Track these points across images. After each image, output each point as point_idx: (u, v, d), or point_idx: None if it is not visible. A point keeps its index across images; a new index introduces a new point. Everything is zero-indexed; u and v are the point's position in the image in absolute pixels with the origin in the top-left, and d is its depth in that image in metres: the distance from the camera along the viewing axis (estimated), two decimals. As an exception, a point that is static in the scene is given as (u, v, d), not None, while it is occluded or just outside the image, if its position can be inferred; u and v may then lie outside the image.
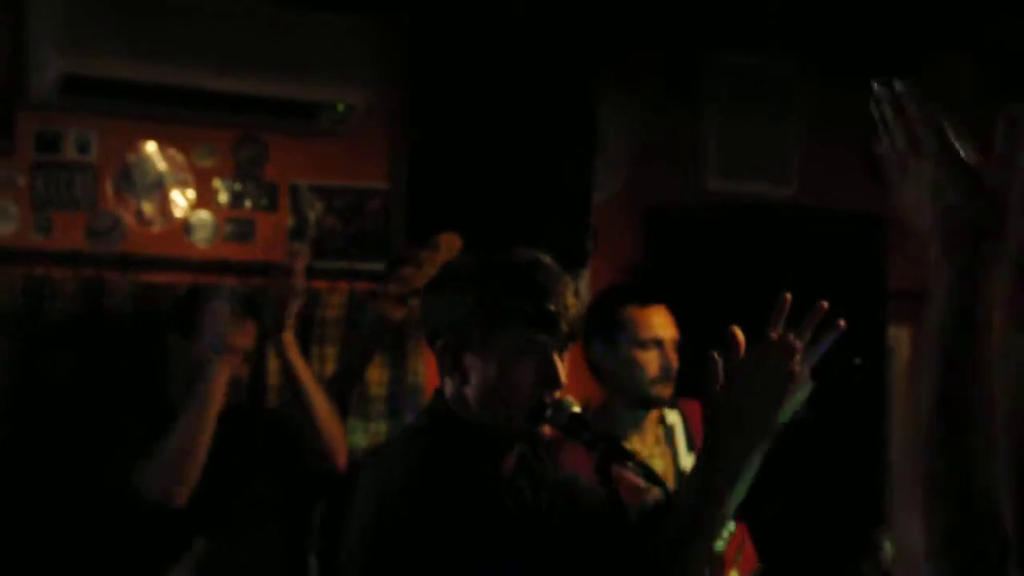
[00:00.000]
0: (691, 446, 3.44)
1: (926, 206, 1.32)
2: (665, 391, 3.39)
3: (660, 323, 3.43)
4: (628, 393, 3.41)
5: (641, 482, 2.37)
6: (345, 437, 3.77)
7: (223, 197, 4.49)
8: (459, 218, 4.52)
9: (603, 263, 5.01)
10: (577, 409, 2.25)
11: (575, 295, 2.27)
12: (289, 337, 3.69)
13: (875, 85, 1.36)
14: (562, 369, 2.25)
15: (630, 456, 2.20)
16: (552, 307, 2.21)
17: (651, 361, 3.38)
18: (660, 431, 3.47)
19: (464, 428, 2.26)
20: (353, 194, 4.67)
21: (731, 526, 3.02)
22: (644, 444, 3.41)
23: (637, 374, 3.39)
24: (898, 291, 5.18)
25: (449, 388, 2.29)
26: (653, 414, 3.45)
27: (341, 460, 3.67)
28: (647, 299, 3.48)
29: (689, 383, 3.48)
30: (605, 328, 3.41)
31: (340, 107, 4.38)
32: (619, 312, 3.43)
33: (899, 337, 5.53)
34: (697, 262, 4.96)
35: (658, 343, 3.42)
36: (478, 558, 2.12)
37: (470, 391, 2.24)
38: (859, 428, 4.89)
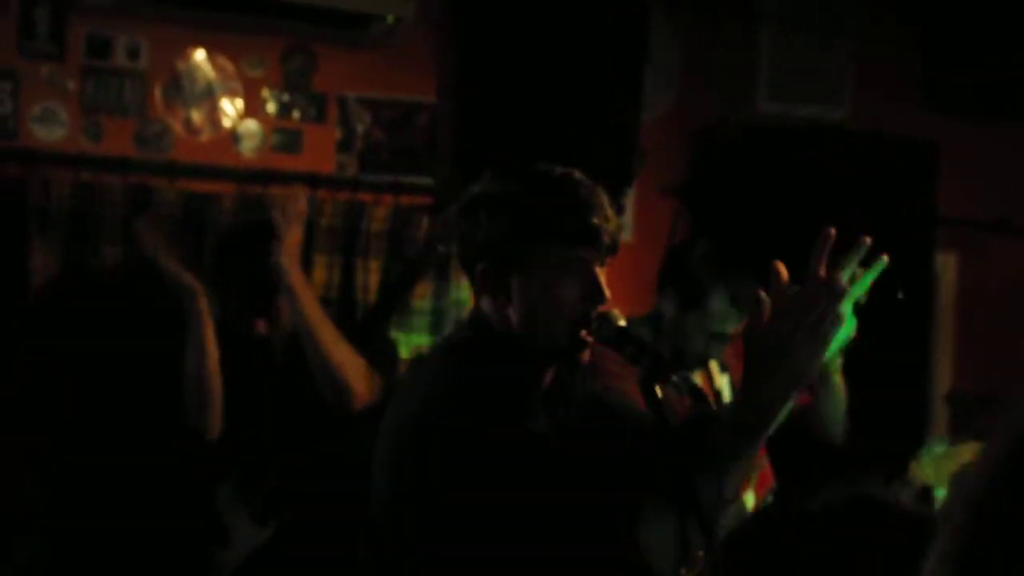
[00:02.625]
0: (723, 369, 3.42)
1: None
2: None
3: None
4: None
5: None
6: (365, 372, 3.63)
7: (271, 107, 4.49)
8: (506, 133, 4.49)
9: (649, 183, 4.98)
10: (623, 322, 2.24)
11: (612, 208, 2.25)
12: (289, 263, 3.59)
13: None
14: (605, 283, 2.23)
15: (675, 370, 2.19)
16: (594, 221, 2.19)
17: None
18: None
19: (505, 344, 2.24)
20: (401, 107, 4.66)
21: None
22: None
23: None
24: (947, 217, 5.13)
25: (489, 308, 2.26)
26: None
27: (358, 395, 3.57)
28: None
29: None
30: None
31: (390, 18, 4.36)
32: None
33: (947, 263, 5.50)
34: (744, 185, 4.92)
35: None
36: (510, 479, 2.11)
37: (513, 312, 2.22)
38: (905, 354, 4.87)
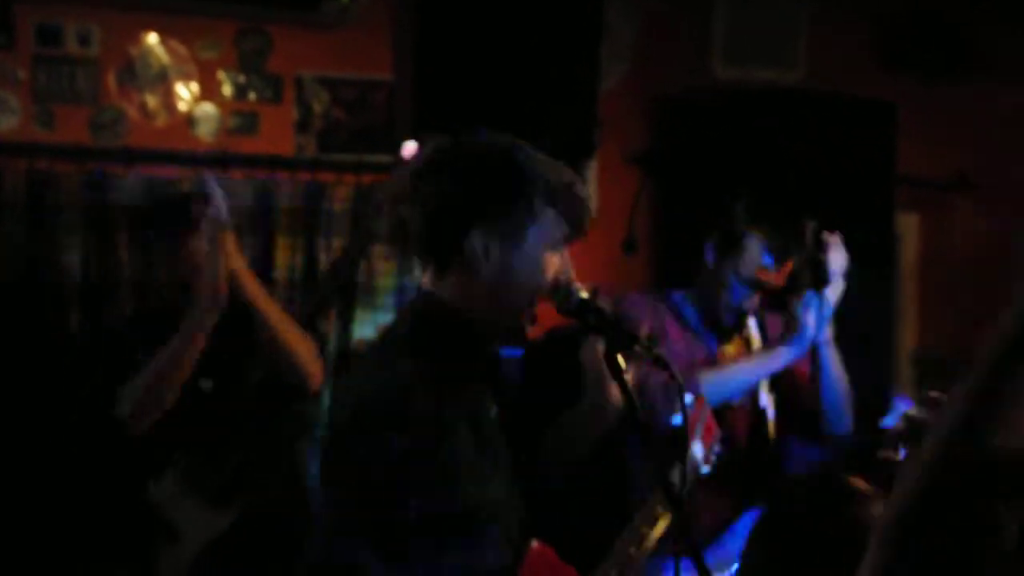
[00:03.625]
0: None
1: None
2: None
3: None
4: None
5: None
6: (315, 353, 3.52)
7: (227, 89, 4.45)
8: (465, 109, 4.47)
9: (610, 154, 4.97)
10: (585, 294, 2.23)
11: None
12: (224, 245, 3.33)
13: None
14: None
15: (638, 340, 2.19)
16: (587, 199, 2.18)
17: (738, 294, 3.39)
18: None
19: (461, 328, 2.15)
20: (359, 86, 4.63)
21: (688, 399, 3.03)
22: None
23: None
24: (907, 177, 5.15)
25: (452, 283, 2.14)
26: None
27: (313, 376, 3.43)
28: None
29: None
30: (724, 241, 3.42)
31: (344, -3, 4.33)
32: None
33: (908, 223, 5.52)
34: (704, 150, 4.92)
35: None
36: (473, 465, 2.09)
37: (483, 285, 2.12)
38: (869, 314, 4.89)
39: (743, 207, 3.42)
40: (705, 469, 2.82)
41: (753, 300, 3.41)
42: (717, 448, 2.88)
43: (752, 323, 3.49)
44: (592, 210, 2.20)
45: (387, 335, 2.25)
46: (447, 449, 2.04)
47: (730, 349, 3.45)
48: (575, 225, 2.16)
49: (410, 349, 2.12)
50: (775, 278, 3.36)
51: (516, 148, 2.15)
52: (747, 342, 3.47)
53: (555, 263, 2.14)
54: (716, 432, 2.87)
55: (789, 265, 3.37)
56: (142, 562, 3.27)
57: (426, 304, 2.18)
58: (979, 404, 1.08)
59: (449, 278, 2.15)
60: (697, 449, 2.79)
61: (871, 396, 4.93)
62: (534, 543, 2.22)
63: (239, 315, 3.37)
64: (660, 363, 2.19)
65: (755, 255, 3.35)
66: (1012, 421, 1.06)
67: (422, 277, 2.20)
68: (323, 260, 4.41)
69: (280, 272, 4.36)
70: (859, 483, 1.67)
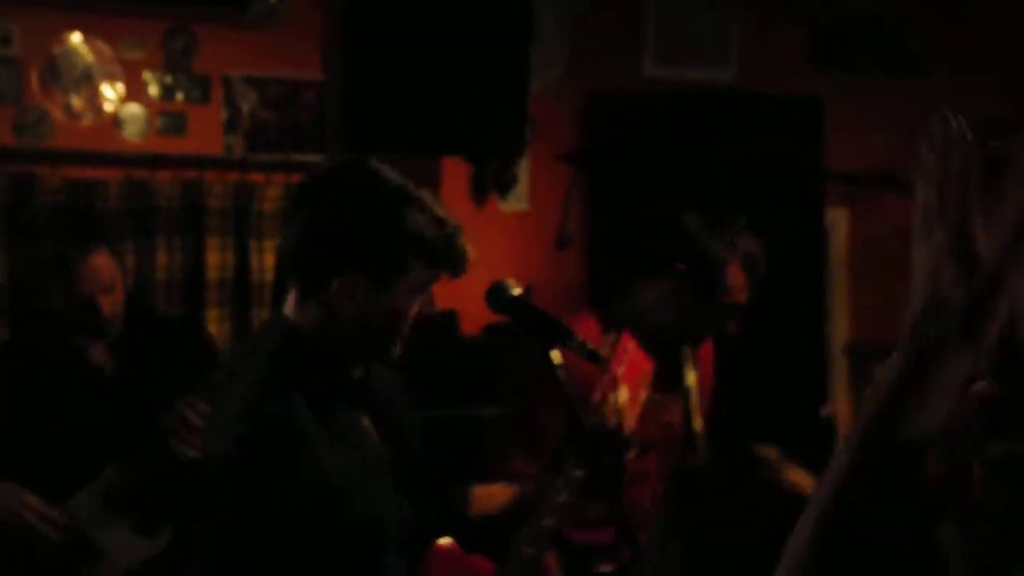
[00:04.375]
0: (694, 364, 3.30)
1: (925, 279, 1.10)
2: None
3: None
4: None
5: None
6: None
7: (154, 90, 4.40)
8: (394, 108, 4.45)
9: (542, 152, 4.98)
10: (518, 291, 2.23)
11: None
12: None
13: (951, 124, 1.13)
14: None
15: (571, 335, 2.19)
16: (464, 245, 2.15)
17: None
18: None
19: (315, 363, 2.12)
20: (287, 85, 4.59)
21: (610, 338, 2.95)
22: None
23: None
24: (836, 173, 5.20)
25: (314, 314, 2.11)
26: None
27: None
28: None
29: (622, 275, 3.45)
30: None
31: (272, -5, 4.29)
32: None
33: (837, 218, 5.57)
34: (636, 148, 4.94)
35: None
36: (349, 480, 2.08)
37: (343, 324, 2.09)
38: (800, 310, 4.94)
39: (705, 228, 3.22)
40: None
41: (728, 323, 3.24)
42: (647, 381, 2.84)
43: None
44: (471, 257, 2.17)
45: (249, 368, 2.18)
46: (331, 477, 2.03)
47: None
48: (451, 274, 2.16)
49: (277, 383, 2.08)
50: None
51: (400, 196, 2.10)
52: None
53: (420, 302, 2.15)
54: (646, 368, 2.81)
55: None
56: None
57: (288, 335, 2.14)
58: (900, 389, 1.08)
59: (311, 308, 2.12)
60: (623, 394, 2.75)
61: (807, 388, 5.00)
62: (439, 540, 2.23)
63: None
64: (593, 359, 2.19)
65: (736, 280, 3.17)
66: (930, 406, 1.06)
67: (288, 301, 2.16)
68: (254, 260, 4.37)
69: (211, 273, 4.31)
70: (769, 450, 1.67)
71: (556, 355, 2.21)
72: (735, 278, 3.15)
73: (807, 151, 5.04)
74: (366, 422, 2.18)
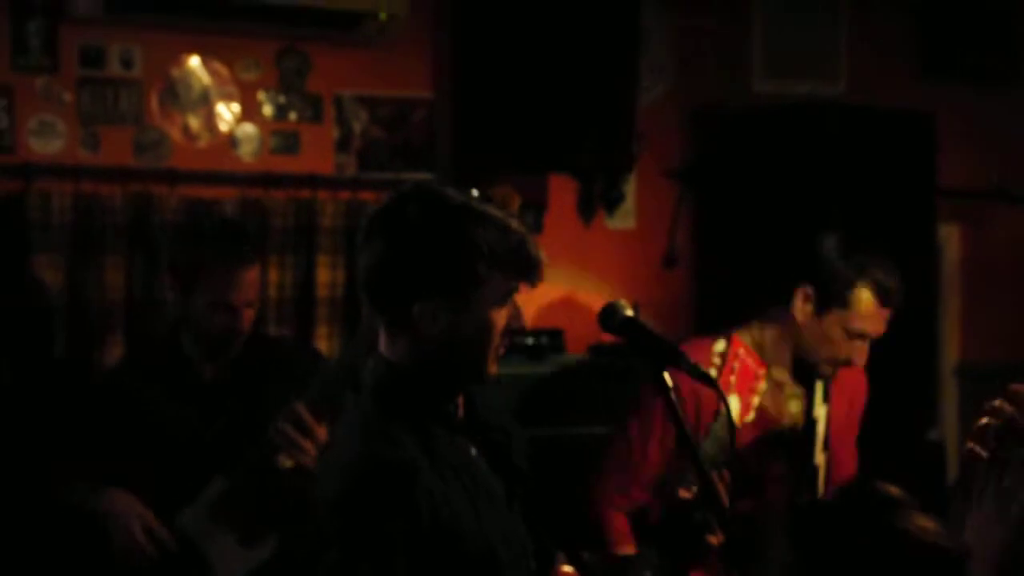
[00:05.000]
0: (826, 398, 3.24)
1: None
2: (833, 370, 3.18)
3: (880, 322, 3.13)
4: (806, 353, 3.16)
5: None
6: None
7: (268, 110, 4.49)
8: (503, 126, 4.49)
9: (649, 169, 4.98)
10: (630, 312, 2.24)
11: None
12: None
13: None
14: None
15: (683, 357, 2.20)
16: (536, 252, 2.15)
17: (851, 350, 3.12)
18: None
19: (427, 388, 2.15)
20: (398, 104, 4.66)
21: (719, 344, 2.87)
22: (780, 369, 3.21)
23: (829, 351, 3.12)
24: (948, 189, 5.13)
25: (405, 348, 2.13)
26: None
27: None
28: (880, 293, 3.09)
29: (744, 295, 3.41)
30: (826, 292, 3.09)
31: (383, 15, 4.35)
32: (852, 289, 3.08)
33: (949, 235, 5.49)
34: (744, 164, 4.92)
35: (863, 336, 3.13)
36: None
37: (431, 348, 2.11)
38: (911, 326, 4.87)
39: (847, 256, 3.12)
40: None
41: (858, 352, 3.13)
42: (760, 386, 2.79)
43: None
44: (544, 262, 2.16)
45: (355, 410, 2.21)
46: (443, 510, 2.05)
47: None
48: (526, 281, 2.15)
49: (382, 422, 2.11)
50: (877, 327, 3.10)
51: (462, 211, 2.11)
52: (811, 399, 3.24)
53: (505, 314, 2.15)
54: (758, 371, 2.77)
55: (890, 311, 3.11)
56: None
57: (384, 373, 2.16)
58: None
59: (400, 341, 2.14)
60: (734, 404, 2.73)
61: (915, 410, 4.92)
62: (560, 568, 2.23)
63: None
64: (706, 380, 2.20)
65: (864, 306, 3.06)
66: None
67: (381, 340, 2.17)
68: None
69: (322, 291, 4.38)
70: (895, 490, 1.64)
71: (668, 377, 2.21)
72: (868, 313, 3.06)
73: (918, 166, 4.98)
74: (473, 451, 2.20)
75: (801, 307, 3.11)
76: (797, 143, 4.82)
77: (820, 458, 3.23)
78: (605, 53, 4.62)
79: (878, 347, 3.24)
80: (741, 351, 2.77)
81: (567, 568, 2.30)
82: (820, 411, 3.23)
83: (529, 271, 2.14)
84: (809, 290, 3.10)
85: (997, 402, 1.76)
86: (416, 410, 2.14)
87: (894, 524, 1.55)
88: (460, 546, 2.06)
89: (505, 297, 2.13)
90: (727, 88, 5.16)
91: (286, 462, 2.95)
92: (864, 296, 3.07)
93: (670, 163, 5.05)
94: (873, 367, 3.54)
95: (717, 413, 2.93)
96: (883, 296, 3.08)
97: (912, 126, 4.96)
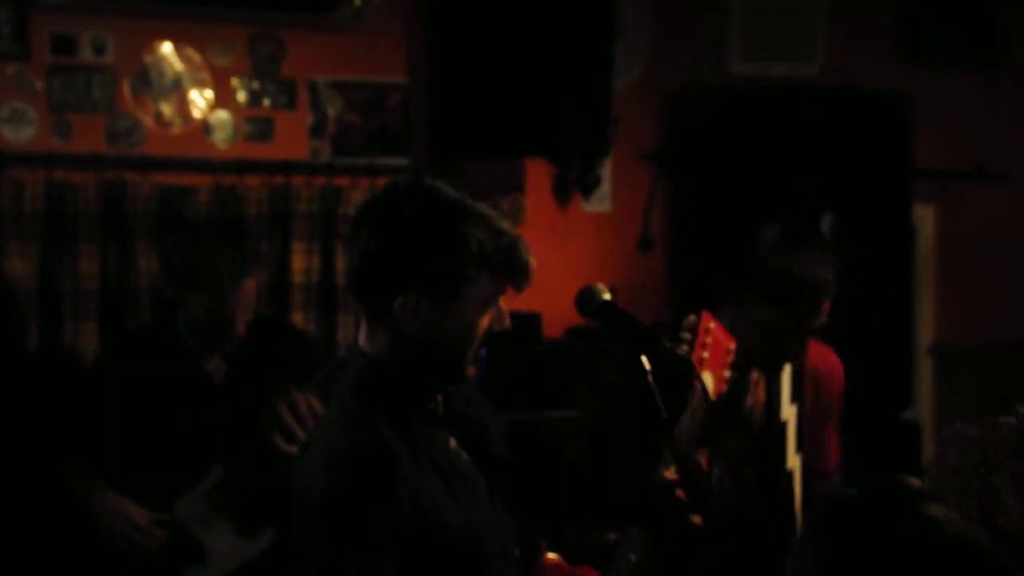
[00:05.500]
0: (796, 395, 3.13)
1: None
2: None
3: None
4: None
5: None
6: None
7: (241, 96, 4.46)
8: (478, 110, 4.48)
9: (625, 152, 4.97)
10: (607, 296, 2.23)
11: None
12: None
13: None
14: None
15: (659, 341, 2.19)
16: (526, 255, 2.11)
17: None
18: None
19: (395, 393, 2.12)
20: (372, 89, 4.64)
21: (689, 320, 2.83)
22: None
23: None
24: (924, 169, 5.14)
25: (383, 339, 2.11)
26: None
27: None
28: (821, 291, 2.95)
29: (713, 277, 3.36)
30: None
31: (357, 0, 4.33)
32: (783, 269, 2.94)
33: (925, 215, 5.51)
34: (720, 146, 4.92)
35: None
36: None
37: (411, 343, 2.09)
38: (886, 306, 4.89)
39: (779, 245, 2.96)
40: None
41: (804, 346, 3.04)
42: (730, 361, 2.77)
43: None
44: (531, 266, 2.12)
45: (338, 403, 2.20)
46: (424, 500, 2.04)
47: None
48: (513, 284, 2.12)
49: (361, 415, 2.09)
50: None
51: (454, 209, 2.10)
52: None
53: (490, 317, 2.12)
54: (728, 344, 2.74)
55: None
56: None
57: (364, 367, 2.15)
58: None
59: (380, 335, 2.12)
60: (707, 380, 2.71)
61: (891, 390, 4.94)
62: (545, 555, 2.23)
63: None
64: (684, 365, 2.19)
65: (809, 300, 2.92)
66: None
67: (360, 333, 2.16)
68: (339, 264, 4.42)
69: (297, 277, 4.37)
70: (917, 482, 1.60)
71: (645, 360, 2.20)
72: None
73: (894, 147, 4.99)
74: (453, 443, 2.19)
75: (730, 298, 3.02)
76: (773, 125, 4.83)
77: (793, 461, 3.13)
78: (581, 36, 4.61)
79: (854, 327, 3.21)
80: (712, 325, 2.73)
81: (551, 555, 2.29)
82: (789, 411, 3.16)
83: (518, 274, 2.11)
84: (737, 284, 2.99)
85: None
86: (395, 405, 2.11)
87: (920, 514, 1.51)
88: (444, 536, 2.04)
89: (491, 299, 2.11)
90: (703, 70, 5.15)
91: (288, 450, 2.95)
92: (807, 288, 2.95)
93: (646, 146, 5.05)
94: (849, 347, 3.53)
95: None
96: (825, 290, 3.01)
97: (888, 106, 4.97)
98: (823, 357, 3.23)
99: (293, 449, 2.81)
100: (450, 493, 2.09)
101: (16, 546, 3.36)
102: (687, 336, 2.81)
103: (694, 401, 2.84)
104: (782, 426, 3.09)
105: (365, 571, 1.99)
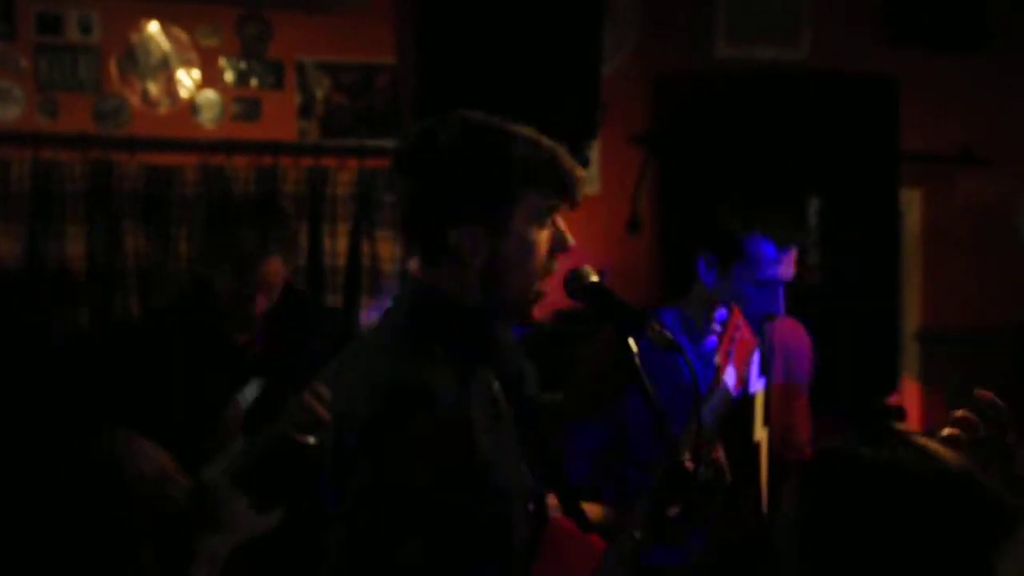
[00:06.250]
0: (764, 369, 3.21)
1: None
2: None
3: (785, 266, 3.14)
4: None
5: None
6: None
7: (229, 76, 4.45)
8: (466, 91, 4.47)
9: (613, 135, 4.97)
10: (595, 278, 2.23)
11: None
12: None
13: None
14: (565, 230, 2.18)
15: (647, 323, 2.19)
16: (570, 167, 2.09)
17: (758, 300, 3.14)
18: None
19: (465, 318, 2.09)
20: (360, 70, 4.63)
21: (719, 315, 2.87)
22: None
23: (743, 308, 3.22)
24: (910, 153, 5.14)
25: (445, 273, 2.08)
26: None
27: None
28: (781, 240, 3.12)
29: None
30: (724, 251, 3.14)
31: (344, -19, 4.33)
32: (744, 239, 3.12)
33: (911, 199, 5.52)
34: (708, 129, 4.92)
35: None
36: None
37: (475, 274, 2.07)
38: (872, 291, 4.90)
39: (735, 210, 3.17)
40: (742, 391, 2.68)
41: (775, 299, 3.15)
42: (755, 360, 2.77)
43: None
44: (581, 176, 2.11)
45: (382, 334, 2.18)
46: (473, 438, 2.01)
47: None
48: (563, 196, 2.10)
49: (415, 342, 2.07)
50: (784, 271, 3.15)
51: (490, 131, 2.08)
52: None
53: (547, 237, 2.09)
54: (752, 344, 2.77)
55: (794, 253, 3.15)
56: (175, 545, 3.23)
57: (422, 296, 2.12)
58: None
59: (441, 268, 2.09)
60: (730, 376, 2.71)
61: (877, 374, 4.96)
62: (552, 516, 2.22)
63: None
64: (672, 346, 2.19)
65: (761, 254, 3.10)
66: None
67: (412, 264, 2.13)
68: (327, 244, 4.42)
69: (327, 258, 4.39)
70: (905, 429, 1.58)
71: (633, 343, 2.20)
72: (769, 259, 3.10)
73: (881, 130, 4.99)
74: (496, 385, 2.14)
75: (706, 274, 3.15)
76: (760, 108, 4.82)
77: (761, 434, 3.20)
78: (569, 19, 4.60)
79: (840, 311, 3.25)
80: (740, 322, 2.76)
81: (561, 518, 2.28)
82: (756, 384, 3.20)
83: (565, 185, 2.08)
84: (709, 256, 3.14)
85: (960, 412, 1.74)
86: (454, 337, 2.08)
87: (917, 445, 1.47)
88: (478, 481, 2.01)
89: (543, 215, 2.07)
90: (691, 54, 5.15)
91: (308, 439, 2.95)
92: (760, 243, 3.08)
93: (634, 129, 5.05)
94: (835, 331, 3.56)
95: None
96: (779, 239, 3.08)
97: (875, 90, 4.97)
98: (793, 332, 3.33)
99: (309, 440, 2.82)
100: (495, 439, 2.06)
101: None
102: (718, 329, 2.83)
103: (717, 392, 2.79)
104: (750, 399, 3.13)
105: (402, 505, 1.97)
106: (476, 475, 2.02)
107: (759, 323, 3.13)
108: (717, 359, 2.57)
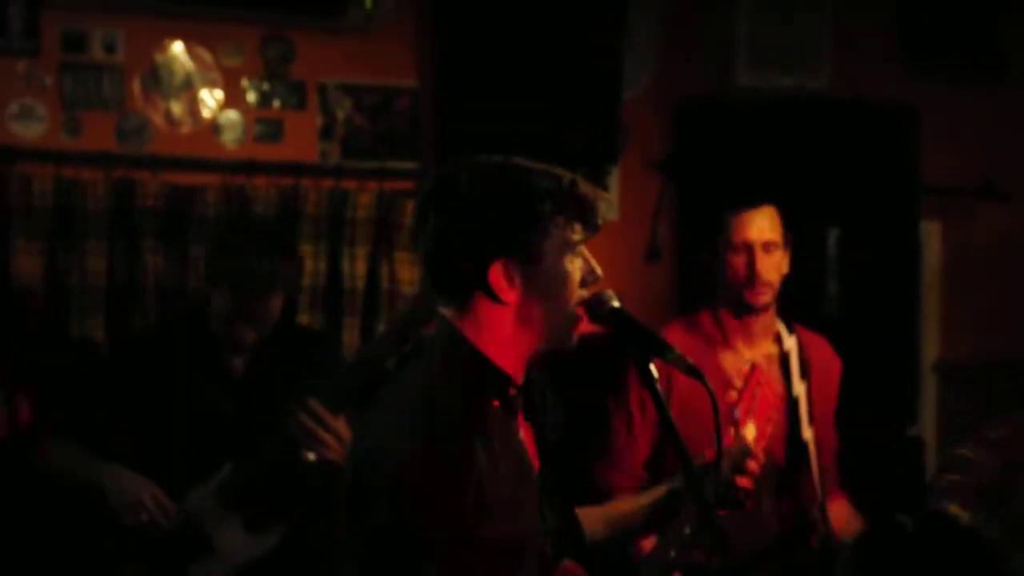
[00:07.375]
0: (804, 374, 3.37)
1: None
2: (754, 296, 3.35)
3: (753, 226, 3.40)
4: (726, 298, 3.41)
5: None
6: None
7: (251, 96, 4.47)
8: (487, 115, 4.48)
9: (633, 161, 4.97)
10: (617, 303, 2.23)
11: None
12: None
13: None
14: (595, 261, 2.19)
15: (670, 349, 2.18)
16: (590, 194, 2.11)
17: (739, 265, 3.36)
18: (775, 350, 3.41)
19: (480, 372, 2.10)
20: (382, 92, 4.64)
21: (744, 367, 2.93)
22: (751, 349, 3.38)
23: (728, 277, 3.38)
24: (931, 185, 5.13)
25: (479, 313, 2.09)
26: (765, 325, 3.41)
27: None
28: (743, 202, 3.45)
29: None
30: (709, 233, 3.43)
31: (367, 3, 4.34)
32: (721, 216, 3.44)
33: (931, 232, 5.50)
34: (728, 158, 4.91)
35: (747, 247, 3.37)
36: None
37: (511, 312, 2.08)
38: (891, 322, 4.88)
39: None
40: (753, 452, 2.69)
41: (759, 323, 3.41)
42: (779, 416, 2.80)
43: None
44: (603, 201, 2.14)
45: (420, 371, 2.17)
46: (491, 489, 2.02)
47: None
48: (587, 223, 2.11)
49: (447, 392, 2.08)
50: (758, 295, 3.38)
51: (511, 168, 2.10)
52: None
53: (579, 266, 2.11)
54: (774, 398, 2.78)
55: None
56: (169, 571, 3.20)
57: (452, 342, 2.12)
58: None
59: (475, 309, 2.10)
60: (750, 431, 2.72)
61: (895, 406, 4.93)
62: (565, 563, 2.22)
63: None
64: (693, 373, 2.19)
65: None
66: None
67: (441, 308, 2.12)
68: (346, 267, 4.42)
69: (304, 279, 4.36)
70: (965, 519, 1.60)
71: (654, 369, 2.20)
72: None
73: (901, 161, 4.98)
74: (520, 430, 2.16)
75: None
76: (780, 137, 4.82)
77: (808, 433, 3.33)
78: (590, 44, 4.61)
79: (859, 342, 3.32)
80: (764, 377, 2.81)
81: (570, 564, 2.28)
82: (800, 388, 3.28)
83: (587, 210, 2.10)
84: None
85: (961, 451, 1.74)
86: (484, 384, 2.10)
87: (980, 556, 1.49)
88: (494, 531, 2.01)
89: (571, 244, 2.09)
90: (711, 81, 5.15)
91: (309, 456, 2.94)
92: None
93: (653, 155, 5.05)
94: (854, 362, 3.56)
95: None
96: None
97: (895, 121, 4.96)
98: (823, 348, 3.42)
99: (312, 458, 2.82)
100: (514, 484, 2.07)
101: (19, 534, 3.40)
102: (737, 383, 2.86)
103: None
104: (795, 400, 3.26)
105: (420, 548, 1.97)
106: (496, 524, 2.02)
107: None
108: (737, 414, 2.60)
